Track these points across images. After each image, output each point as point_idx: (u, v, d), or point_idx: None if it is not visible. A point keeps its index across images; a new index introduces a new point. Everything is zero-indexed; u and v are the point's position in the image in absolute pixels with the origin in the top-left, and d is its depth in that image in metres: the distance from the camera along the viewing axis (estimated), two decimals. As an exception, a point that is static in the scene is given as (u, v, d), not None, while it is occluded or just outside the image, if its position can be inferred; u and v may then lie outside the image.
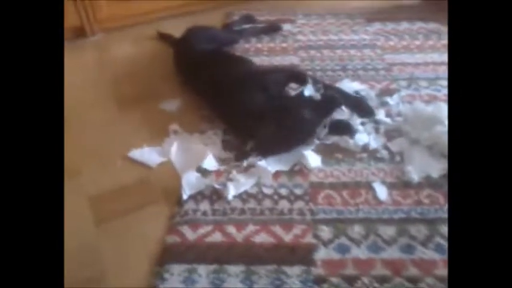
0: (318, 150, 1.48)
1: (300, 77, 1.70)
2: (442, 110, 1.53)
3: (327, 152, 1.47)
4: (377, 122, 1.57)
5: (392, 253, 1.16)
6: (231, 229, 1.25)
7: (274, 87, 1.59)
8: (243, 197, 1.34)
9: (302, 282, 1.10)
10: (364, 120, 1.57)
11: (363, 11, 2.35)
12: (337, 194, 1.34)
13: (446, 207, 1.27)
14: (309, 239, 1.21)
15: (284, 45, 2.10)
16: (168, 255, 1.19)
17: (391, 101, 1.67)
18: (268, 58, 2.01)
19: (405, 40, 2.08)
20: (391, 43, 2.06)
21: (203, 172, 1.41)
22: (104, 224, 1.29)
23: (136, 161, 1.49)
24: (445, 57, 1.93)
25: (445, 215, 1.24)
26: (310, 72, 1.84)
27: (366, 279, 1.10)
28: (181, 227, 1.26)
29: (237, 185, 1.36)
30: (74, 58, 2.08)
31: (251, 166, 1.42)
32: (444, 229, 1.20)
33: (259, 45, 2.11)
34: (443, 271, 1.10)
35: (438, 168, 1.37)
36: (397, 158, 1.44)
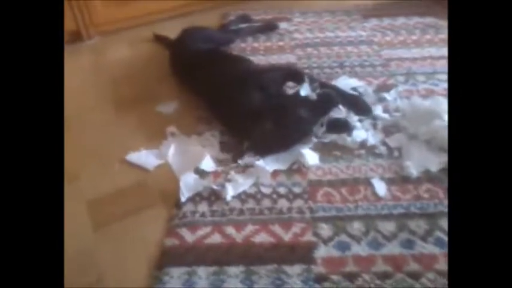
0: (315, 148, 1.47)
1: (297, 76, 1.70)
2: (439, 104, 1.52)
3: (325, 150, 1.47)
4: (375, 118, 1.56)
5: (392, 249, 1.15)
6: (230, 230, 1.25)
7: (272, 86, 1.59)
8: (242, 197, 1.33)
9: (303, 281, 1.10)
10: (362, 117, 1.56)
11: (359, 8, 2.34)
12: (336, 192, 1.33)
13: (445, 201, 1.26)
14: (308, 237, 1.20)
15: (281, 43, 2.10)
16: (167, 258, 1.18)
17: (389, 96, 1.66)
18: (265, 57, 2.00)
19: (402, 35, 2.07)
20: (388, 39, 2.06)
21: (201, 173, 1.41)
22: (102, 228, 1.29)
23: (133, 164, 1.49)
24: (442, 52, 1.92)
25: (445, 209, 1.23)
26: (307, 70, 1.84)
27: (366, 276, 1.10)
28: (179, 230, 1.25)
29: (236, 186, 1.35)
30: (71, 62, 2.07)
31: (249, 166, 1.42)
32: (444, 223, 1.19)
33: (255, 45, 2.10)
34: (443, 265, 1.10)
35: (437, 162, 1.36)
36: (396, 154, 1.43)
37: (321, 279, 1.10)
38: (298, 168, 1.41)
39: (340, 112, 1.54)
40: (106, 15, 2.26)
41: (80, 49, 2.23)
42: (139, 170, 1.47)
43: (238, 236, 1.23)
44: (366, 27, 2.16)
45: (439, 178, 1.33)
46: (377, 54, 1.95)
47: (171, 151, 1.50)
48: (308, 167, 1.41)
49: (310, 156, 1.43)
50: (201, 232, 1.24)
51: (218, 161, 1.46)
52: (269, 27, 2.20)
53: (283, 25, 2.22)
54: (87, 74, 2.05)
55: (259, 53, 2.04)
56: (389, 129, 1.52)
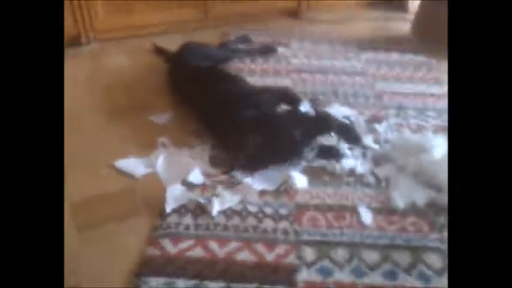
0: (305, 172, 1.48)
1: (292, 99, 1.72)
2: (429, 139, 1.55)
3: (314, 174, 1.48)
4: (365, 148, 1.58)
5: (375, 278, 1.15)
6: (213, 245, 1.23)
7: (265, 106, 1.60)
8: (227, 213, 1.33)
9: (282, 303, 1.09)
10: (352, 146, 1.58)
11: (356, 40, 2.40)
12: (322, 216, 1.33)
13: (430, 235, 1.27)
14: (291, 259, 1.20)
15: (277, 67, 2.13)
16: (147, 267, 1.16)
17: (380, 128, 1.69)
18: (261, 79, 2.02)
19: (395, 70, 2.12)
20: (382, 72, 2.10)
21: (188, 186, 1.40)
22: (83, 232, 1.26)
23: (121, 170, 1.48)
24: (433, 89, 1.97)
25: (429, 244, 1.25)
26: (301, 95, 1.86)
27: (347, 304, 1.09)
28: (162, 240, 1.24)
29: (222, 201, 1.35)
30: (67, 65, 2.03)
31: (237, 183, 1.41)
32: (428, 257, 1.20)
33: (252, 66, 2.13)
34: (425, 299, 1.10)
35: (423, 196, 1.38)
36: (383, 184, 1.45)
37: (301, 302, 1.09)
38: (285, 189, 1.41)
39: (331, 140, 1.56)
40: (107, 22, 2.27)
41: (78, 53, 2.22)
42: (127, 177, 1.45)
43: (221, 252, 1.21)
44: (361, 59, 2.21)
45: (425, 212, 1.35)
46: (370, 86, 1.99)
47: (160, 161, 1.49)
48: (296, 189, 1.41)
49: (299, 179, 1.44)
50: (184, 244, 1.23)
51: (207, 175, 1.45)
52: (267, 50, 2.23)
53: (281, 49, 2.26)
54: (83, 79, 2.03)
55: (256, 74, 2.06)
56: (378, 160, 1.54)
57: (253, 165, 1.45)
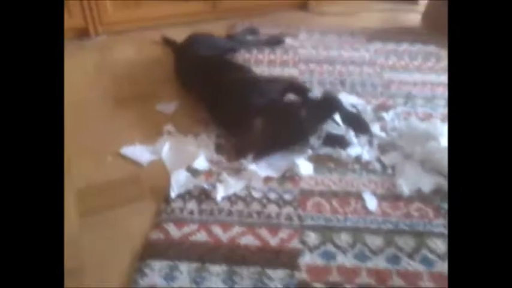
0: (310, 159, 1.47)
1: (299, 89, 1.72)
2: (436, 127, 1.53)
3: (320, 161, 1.47)
4: (371, 136, 1.57)
5: (378, 263, 1.14)
6: (217, 229, 1.24)
7: (273, 95, 1.60)
8: (232, 198, 1.33)
9: (285, 286, 1.08)
10: (359, 134, 1.56)
11: (364, 31, 2.38)
12: (327, 202, 1.32)
13: (435, 221, 1.26)
14: (295, 243, 1.19)
15: (285, 57, 2.12)
16: (151, 250, 1.17)
17: (387, 116, 1.68)
18: (268, 69, 2.02)
19: (404, 60, 2.10)
20: (390, 62, 2.08)
21: (193, 172, 1.41)
22: (89, 217, 1.28)
23: (127, 157, 1.49)
24: (442, 79, 1.95)
25: (434, 229, 1.23)
26: (308, 85, 1.85)
27: (349, 287, 1.08)
28: (166, 224, 1.24)
29: (227, 187, 1.35)
30: (76, 57, 2.10)
31: (242, 169, 1.41)
32: (431, 242, 1.19)
33: (260, 56, 2.13)
34: (427, 283, 1.09)
35: (429, 182, 1.36)
36: (389, 171, 1.43)
37: (303, 286, 1.09)
38: (290, 176, 1.41)
39: (338, 128, 1.55)
40: (115, 15, 2.29)
41: (86, 46, 2.24)
42: (133, 164, 1.47)
43: (224, 236, 1.21)
44: (369, 49, 2.20)
45: (430, 198, 1.33)
46: (378, 76, 1.97)
47: (165, 148, 1.50)
48: (301, 176, 1.41)
49: (304, 166, 1.43)
50: (188, 229, 1.23)
51: (212, 162, 1.45)
52: (275, 41, 2.23)
53: (288, 40, 2.25)
54: (91, 70, 2.06)
55: (263, 64, 2.06)
56: (385, 147, 1.53)
57: (258, 151, 1.45)
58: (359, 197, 1.34)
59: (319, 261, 1.15)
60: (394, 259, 1.15)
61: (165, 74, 1.96)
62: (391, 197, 1.34)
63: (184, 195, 1.34)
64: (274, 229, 1.24)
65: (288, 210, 1.30)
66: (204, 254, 1.16)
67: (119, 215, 1.29)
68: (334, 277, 1.11)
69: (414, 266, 1.13)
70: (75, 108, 1.72)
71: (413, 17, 2.55)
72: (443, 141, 1.46)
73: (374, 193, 1.35)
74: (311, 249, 1.18)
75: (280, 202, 1.32)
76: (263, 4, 2.58)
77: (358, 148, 1.52)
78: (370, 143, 1.54)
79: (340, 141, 1.52)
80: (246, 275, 1.11)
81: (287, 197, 1.34)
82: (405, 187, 1.36)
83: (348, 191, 1.37)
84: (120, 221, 1.27)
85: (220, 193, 1.33)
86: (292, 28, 2.40)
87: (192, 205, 1.31)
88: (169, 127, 1.60)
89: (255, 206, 1.31)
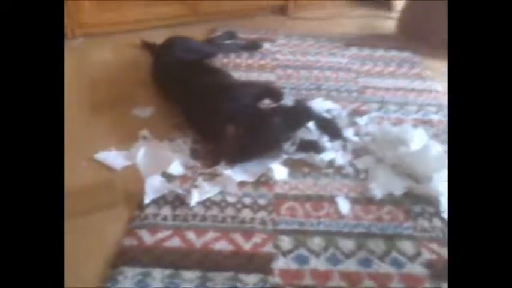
0: (285, 164, 1.49)
1: (274, 93, 1.73)
2: (407, 132, 1.57)
3: (294, 166, 1.49)
4: (345, 140, 1.59)
5: (349, 266, 1.16)
6: (191, 235, 1.24)
7: (248, 100, 1.61)
8: (206, 204, 1.33)
9: (258, 291, 1.09)
10: (332, 140, 1.59)
11: (342, 37, 2.41)
12: (300, 206, 1.34)
13: (405, 224, 1.29)
14: (268, 248, 1.21)
15: (262, 62, 2.14)
16: (123, 257, 1.16)
17: (361, 121, 1.71)
18: (245, 74, 2.03)
19: (379, 66, 2.14)
20: (366, 68, 2.12)
21: (168, 177, 1.40)
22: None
23: (102, 163, 1.48)
24: (414, 85, 1.99)
25: (404, 231, 1.26)
26: (285, 90, 1.87)
27: (321, 290, 1.10)
28: (139, 231, 1.24)
29: (201, 192, 1.35)
30: (51, 60, 2.07)
31: (217, 174, 1.42)
32: (401, 244, 1.22)
33: (237, 61, 2.14)
34: (397, 284, 1.11)
35: (401, 186, 1.40)
36: (362, 175, 1.46)
37: (276, 290, 1.10)
38: (265, 180, 1.42)
39: (311, 134, 1.57)
40: (93, 17, 2.27)
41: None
42: (107, 170, 1.46)
43: (198, 242, 1.22)
44: (346, 55, 2.23)
45: (401, 201, 1.36)
46: (354, 81, 2.00)
47: (140, 153, 1.49)
48: (275, 180, 1.42)
49: (279, 171, 1.45)
50: (161, 235, 1.23)
51: (187, 167, 1.46)
52: (253, 46, 2.25)
53: (266, 45, 2.27)
54: (67, 73, 2.02)
55: (241, 69, 2.07)
56: (358, 152, 1.55)
57: (233, 157, 1.45)
58: (332, 201, 1.36)
59: (292, 265, 1.16)
60: (366, 262, 1.17)
61: (142, 78, 1.96)
62: (364, 200, 1.37)
63: (159, 201, 1.33)
64: (248, 234, 1.25)
65: (262, 214, 1.31)
66: (177, 260, 1.16)
67: (92, 221, 1.28)
68: (307, 281, 1.12)
69: (385, 268, 1.16)
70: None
71: (389, 23, 2.60)
72: (414, 146, 1.49)
73: (347, 197, 1.38)
74: (284, 254, 1.19)
75: (255, 207, 1.33)
76: (243, 9, 2.59)
77: (331, 153, 1.54)
78: (344, 148, 1.57)
79: (313, 147, 1.54)
80: (220, 280, 1.11)
81: (261, 201, 1.35)
82: (377, 191, 1.39)
83: (321, 195, 1.39)
84: (93, 227, 1.26)
85: (194, 198, 1.33)
86: (270, 33, 2.42)
87: (166, 211, 1.31)
88: (145, 132, 1.60)
89: (230, 211, 1.31)
